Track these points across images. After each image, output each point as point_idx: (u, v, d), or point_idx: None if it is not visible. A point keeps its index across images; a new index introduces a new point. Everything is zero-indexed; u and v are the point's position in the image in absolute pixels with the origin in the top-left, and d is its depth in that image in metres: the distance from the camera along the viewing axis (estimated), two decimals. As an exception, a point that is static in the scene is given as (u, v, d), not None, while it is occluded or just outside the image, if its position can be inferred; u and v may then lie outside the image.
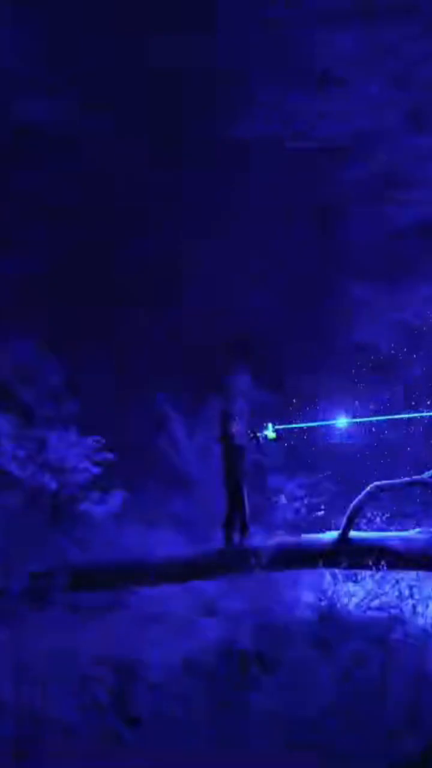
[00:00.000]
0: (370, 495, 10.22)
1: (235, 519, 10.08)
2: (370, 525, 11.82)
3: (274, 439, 10.94)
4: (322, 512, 13.02)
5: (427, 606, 8.25)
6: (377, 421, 13.22)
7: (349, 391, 14.25)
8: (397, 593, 8.47)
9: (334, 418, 12.97)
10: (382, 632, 7.34)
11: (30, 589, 8.64)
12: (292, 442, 13.68)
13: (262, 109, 13.25)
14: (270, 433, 10.83)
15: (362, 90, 12.78)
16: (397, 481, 11.49)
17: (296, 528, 11.91)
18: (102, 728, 4.97)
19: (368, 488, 10.33)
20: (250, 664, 6.54)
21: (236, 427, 10.25)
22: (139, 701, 5.46)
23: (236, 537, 9.98)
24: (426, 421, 14.49)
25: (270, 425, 10.92)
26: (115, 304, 18.30)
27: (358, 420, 13.17)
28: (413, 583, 8.95)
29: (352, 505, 10.17)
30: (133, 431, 15.41)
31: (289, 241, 18.45)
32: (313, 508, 13.12)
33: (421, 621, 7.78)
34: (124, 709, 5.57)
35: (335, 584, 9.11)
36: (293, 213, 18.07)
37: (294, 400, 15.28)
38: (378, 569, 9.05)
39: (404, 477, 11.26)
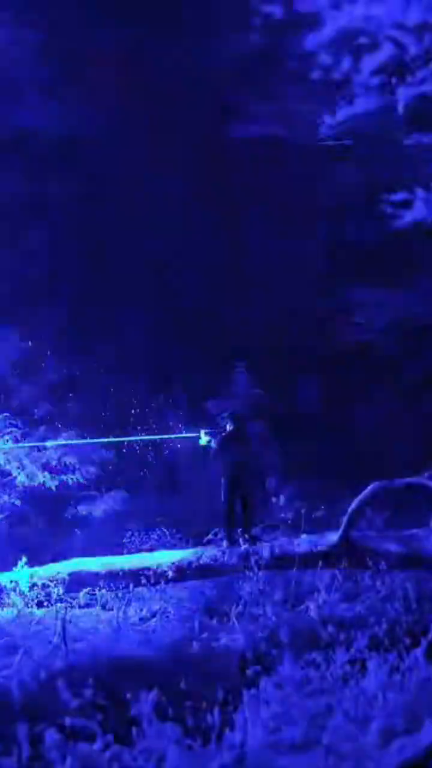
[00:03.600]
0: (371, 495, 10.22)
1: (237, 519, 10.08)
2: (371, 525, 11.81)
3: (206, 445, 10.76)
4: (322, 512, 13.01)
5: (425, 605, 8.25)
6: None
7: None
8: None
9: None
10: (381, 631, 7.34)
11: (31, 589, 8.67)
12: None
13: (263, 109, 13.27)
14: (203, 438, 10.80)
15: (362, 90, 12.80)
16: (397, 481, 11.50)
17: (296, 528, 11.91)
18: (103, 728, 4.98)
19: (368, 489, 10.34)
20: (250, 663, 6.56)
21: (242, 428, 10.27)
22: (140, 701, 5.46)
23: (237, 536, 9.99)
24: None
25: (202, 431, 10.84)
26: (115, 304, 18.32)
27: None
28: (411, 582, 8.96)
29: (352, 506, 10.18)
30: (133, 432, 15.43)
31: (288, 240, 18.47)
32: (313, 508, 13.10)
33: (417, 619, 7.78)
34: (125, 708, 5.57)
35: (335, 584, 9.13)
36: (293, 213, 18.08)
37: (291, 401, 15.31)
38: (378, 569, 9.05)
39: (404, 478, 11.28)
